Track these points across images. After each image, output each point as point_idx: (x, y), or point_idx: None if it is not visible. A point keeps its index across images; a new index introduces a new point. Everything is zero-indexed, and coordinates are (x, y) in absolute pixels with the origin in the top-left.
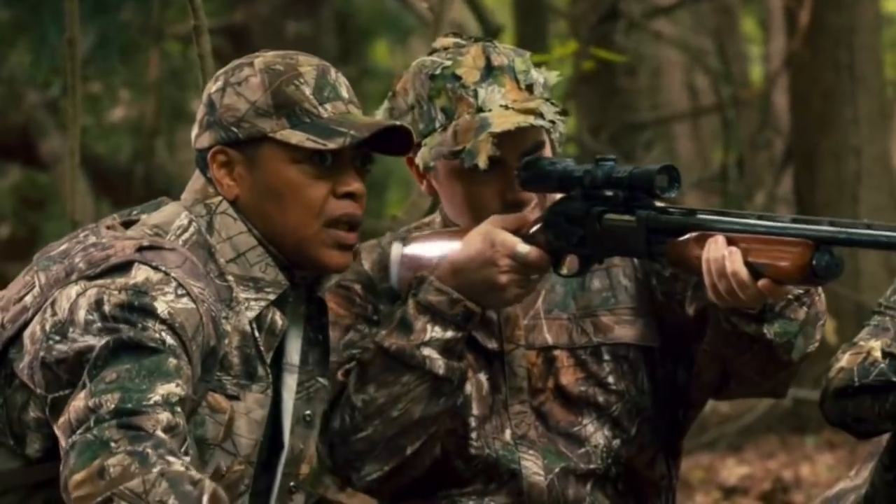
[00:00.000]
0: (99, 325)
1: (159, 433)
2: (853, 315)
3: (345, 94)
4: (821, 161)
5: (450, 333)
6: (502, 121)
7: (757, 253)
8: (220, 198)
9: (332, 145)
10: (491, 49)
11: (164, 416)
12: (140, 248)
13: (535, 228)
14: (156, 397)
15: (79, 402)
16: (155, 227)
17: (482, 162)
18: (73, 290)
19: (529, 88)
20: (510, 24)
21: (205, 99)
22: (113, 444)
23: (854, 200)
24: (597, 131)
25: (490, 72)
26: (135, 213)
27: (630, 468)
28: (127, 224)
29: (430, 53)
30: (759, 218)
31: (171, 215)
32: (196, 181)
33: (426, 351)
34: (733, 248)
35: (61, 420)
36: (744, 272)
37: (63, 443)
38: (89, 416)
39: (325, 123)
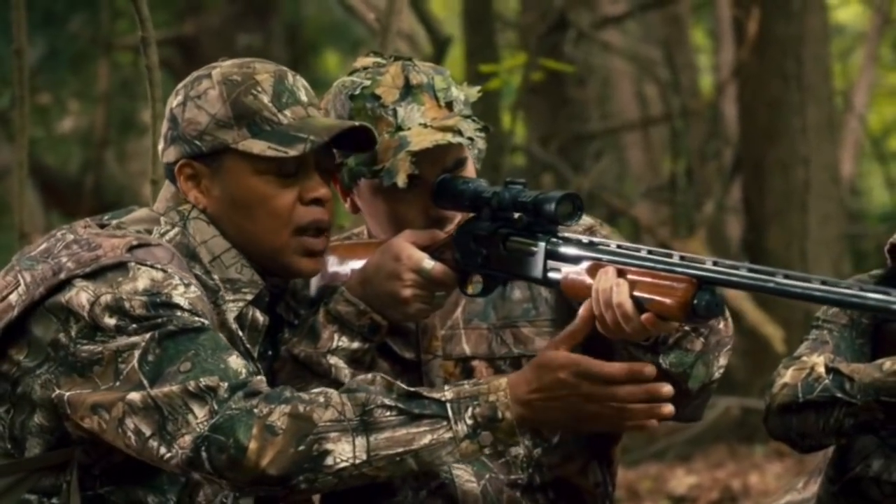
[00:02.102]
0: (135, 326)
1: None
2: (802, 324)
3: (303, 97)
4: (769, 171)
5: (356, 344)
6: (420, 139)
7: (643, 287)
8: (191, 205)
9: (293, 152)
10: (410, 68)
11: (260, 378)
12: (130, 248)
13: (444, 246)
14: (242, 370)
15: (164, 389)
16: (140, 225)
17: (401, 181)
18: (83, 296)
19: (449, 106)
20: (459, 35)
21: (167, 114)
22: (256, 410)
23: (803, 209)
24: (546, 141)
25: (409, 90)
26: (106, 218)
27: (560, 477)
28: (101, 227)
29: (350, 73)
30: (651, 253)
31: (150, 221)
32: (167, 189)
33: (332, 360)
34: (621, 280)
35: (137, 417)
36: (629, 304)
37: (145, 430)
38: (196, 399)
39: (286, 130)
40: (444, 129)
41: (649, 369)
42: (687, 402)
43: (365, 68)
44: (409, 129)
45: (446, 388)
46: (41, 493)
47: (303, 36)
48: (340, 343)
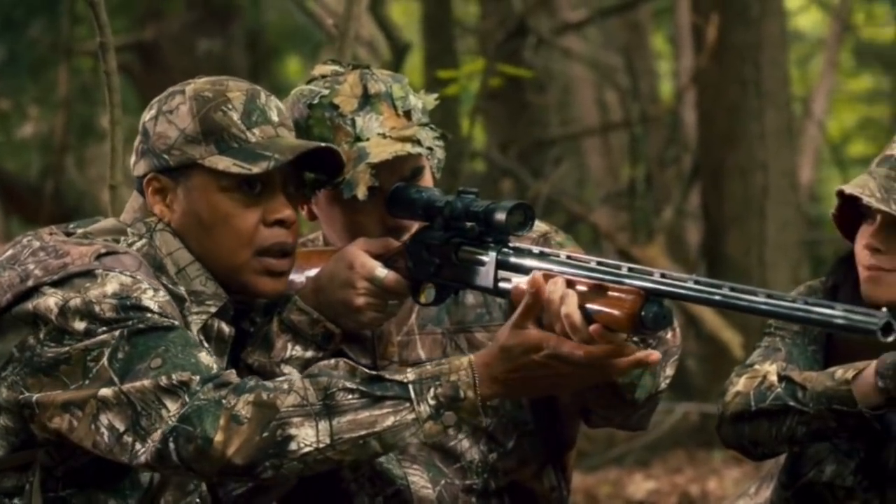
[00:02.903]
0: (104, 328)
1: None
2: (760, 330)
3: (274, 117)
4: (728, 176)
5: (310, 353)
6: (380, 150)
7: (592, 298)
8: (157, 217)
9: (256, 169)
10: (368, 76)
11: (231, 371)
12: (98, 256)
13: (398, 254)
14: (213, 365)
15: (136, 384)
16: (107, 235)
17: (361, 193)
18: (51, 301)
19: (407, 115)
20: (418, 41)
21: (140, 127)
22: (225, 401)
23: (761, 215)
24: (505, 147)
25: (367, 100)
26: (71, 227)
27: (515, 482)
28: (68, 235)
29: (309, 81)
30: (600, 264)
31: (117, 232)
32: (136, 200)
33: (286, 369)
34: (570, 291)
35: (111, 413)
36: (577, 315)
37: (119, 426)
38: (169, 394)
39: (252, 148)
40: (403, 140)
41: (630, 347)
42: (633, 412)
43: (323, 77)
44: (367, 139)
45: (409, 370)
46: (3, 493)
47: (264, 41)
48: (294, 352)
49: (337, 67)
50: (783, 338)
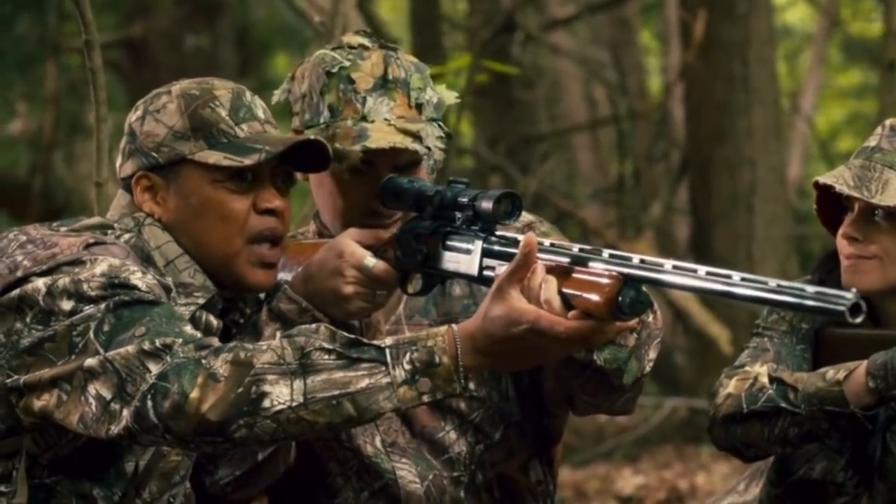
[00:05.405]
0: (90, 305)
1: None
2: (748, 324)
3: (261, 114)
4: (716, 172)
5: None
6: (379, 137)
7: (571, 283)
8: (145, 213)
9: (248, 161)
10: (392, 59)
11: (214, 338)
12: (87, 245)
13: (387, 244)
14: (197, 334)
15: (120, 351)
16: (93, 229)
17: (346, 174)
18: (40, 282)
19: (419, 108)
20: (406, 37)
21: (126, 128)
22: (204, 361)
23: (749, 211)
24: (494, 143)
25: (385, 83)
26: (55, 225)
27: (502, 474)
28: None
29: (335, 48)
30: (581, 251)
31: (103, 227)
32: (122, 198)
33: None
34: (550, 277)
35: (98, 382)
36: (556, 301)
37: (106, 394)
38: (153, 358)
39: (241, 142)
40: (405, 132)
41: (612, 326)
42: (620, 397)
43: (350, 47)
44: (372, 121)
45: (388, 337)
46: None
47: (252, 38)
48: None
49: (365, 41)
50: (771, 338)
